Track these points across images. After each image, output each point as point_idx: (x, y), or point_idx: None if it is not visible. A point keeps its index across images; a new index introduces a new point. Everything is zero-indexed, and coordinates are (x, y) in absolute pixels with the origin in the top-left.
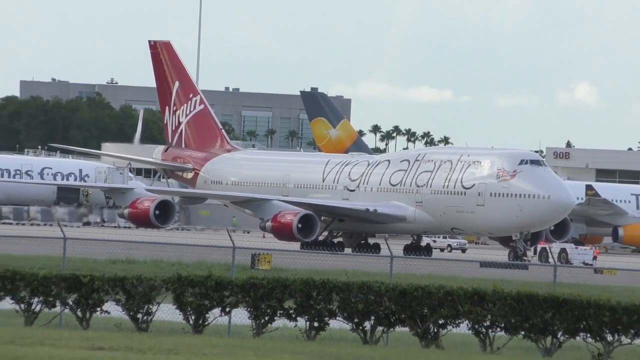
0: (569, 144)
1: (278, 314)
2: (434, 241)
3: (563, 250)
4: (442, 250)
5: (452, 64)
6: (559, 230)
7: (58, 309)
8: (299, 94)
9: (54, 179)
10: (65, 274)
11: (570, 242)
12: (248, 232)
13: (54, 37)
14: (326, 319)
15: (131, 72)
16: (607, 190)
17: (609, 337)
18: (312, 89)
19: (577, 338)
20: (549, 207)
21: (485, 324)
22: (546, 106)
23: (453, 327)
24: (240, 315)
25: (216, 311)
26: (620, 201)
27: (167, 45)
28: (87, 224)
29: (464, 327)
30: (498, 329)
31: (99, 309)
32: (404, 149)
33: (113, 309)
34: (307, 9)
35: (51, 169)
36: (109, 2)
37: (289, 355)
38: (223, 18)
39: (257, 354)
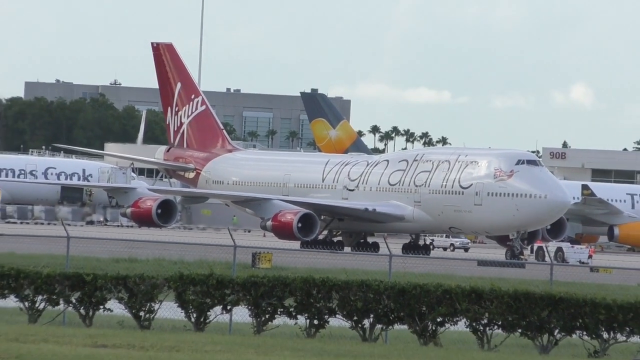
0: (565, 145)
1: (278, 312)
2: (432, 240)
3: (559, 249)
4: (445, 249)
5: (450, 66)
6: (556, 230)
7: (61, 306)
8: (300, 95)
9: (58, 178)
10: (68, 272)
11: (567, 241)
12: (249, 231)
13: (58, 39)
14: (326, 316)
15: (134, 74)
16: (603, 189)
17: (605, 335)
18: (312, 90)
19: (574, 336)
20: (545, 206)
21: (482, 322)
22: (542, 107)
23: (451, 324)
24: (241, 313)
25: (217, 309)
26: (616, 201)
27: (170, 47)
28: (91, 223)
29: (461, 325)
30: (495, 327)
31: (101, 307)
32: (403, 149)
33: (116, 307)
34: (307, 11)
35: (55, 168)
36: (112, 5)
37: (289, 352)
38: (224, 20)
39: (257, 351)
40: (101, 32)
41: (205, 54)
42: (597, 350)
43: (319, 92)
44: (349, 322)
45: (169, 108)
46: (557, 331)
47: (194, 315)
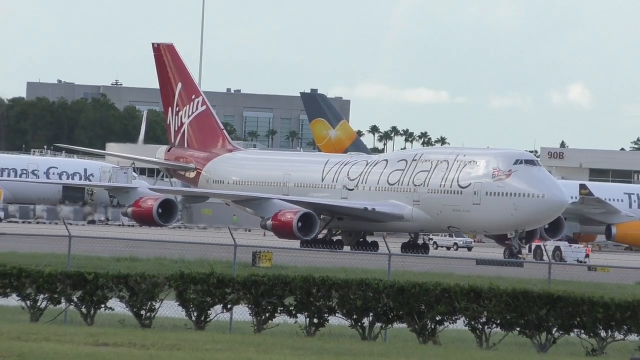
0: (563, 144)
1: (278, 311)
2: (430, 239)
3: (557, 248)
4: (448, 248)
5: (448, 66)
6: (553, 229)
7: (63, 305)
8: (299, 95)
9: (60, 178)
10: (70, 271)
11: (564, 240)
12: (249, 230)
13: (60, 39)
14: (326, 315)
15: (135, 74)
16: (601, 189)
17: (603, 333)
18: (312, 90)
19: (572, 334)
20: (543, 205)
21: (481, 320)
22: (540, 107)
23: (450, 323)
24: (242, 312)
25: (218, 308)
26: (613, 200)
27: (170, 48)
28: (92, 222)
29: (460, 324)
30: (494, 325)
31: (103, 305)
32: (402, 149)
33: (117, 306)
34: (306, 12)
35: (57, 168)
36: (113, 6)
37: (289, 350)
38: (225, 21)
39: (258, 349)
40: (102, 33)
41: (205, 54)
42: (594, 349)
43: (319, 92)
44: (349, 320)
45: (170, 108)
46: (555, 330)
47: (195, 313)
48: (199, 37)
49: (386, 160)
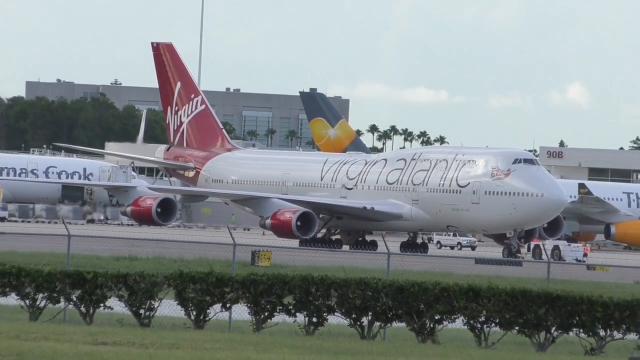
0: (562, 144)
1: (277, 310)
2: (431, 240)
3: (556, 248)
4: (452, 248)
5: (448, 66)
6: (552, 228)
7: (62, 304)
8: (299, 94)
9: (59, 177)
10: (69, 270)
11: (563, 240)
12: (248, 230)
13: (59, 39)
14: (325, 314)
15: (134, 73)
16: (600, 188)
17: (602, 332)
18: (311, 89)
19: (570, 333)
20: (542, 205)
21: (480, 320)
22: (539, 106)
23: (449, 322)
24: (241, 311)
25: (217, 307)
26: (612, 199)
27: (170, 47)
28: (91, 221)
29: (459, 323)
30: (493, 325)
31: (102, 304)
32: (401, 148)
33: (116, 305)
34: (306, 11)
35: (56, 167)
36: (112, 5)
37: (288, 349)
38: (224, 20)
39: (257, 348)
40: (102, 32)
41: (205, 53)
42: (593, 348)
43: (318, 91)
44: (348, 319)
45: (169, 107)
46: (554, 329)
47: (194, 313)
48: (199, 36)
49: (385, 160)
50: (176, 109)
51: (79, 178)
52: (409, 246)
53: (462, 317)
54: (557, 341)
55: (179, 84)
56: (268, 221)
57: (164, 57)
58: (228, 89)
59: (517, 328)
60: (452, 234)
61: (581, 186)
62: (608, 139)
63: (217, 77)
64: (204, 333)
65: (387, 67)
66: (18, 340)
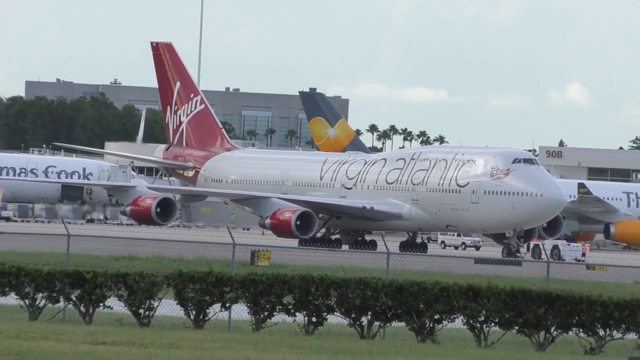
0: (561, 143)
1: (277, 309)
2: (429, 239)
3: (555, 247)
4: (456, 247)
5: (447, 65)
6: (552, 228)
7: (62, 304)
8: (298, 94)
9: (58, 177)
10: (68, 270)
11: (563, 239)
12: (248, 229)
13: (59, 38)
14: (324, 314)
15: (134, 73)
16: (599, 188)
17: (601, 332)
18: (310, 89)
19: (570, 333)
20: (541, 204)
21: (479, 319)
22: (539, 106)
23: (448, 322)
24: (240, 311)
25: (216, 306)
26: (612, 199)
27: (169, 47)
28: (91, 221)
29: (459, 322)
30: (492, 324)
31: (101, 304)
32: (400, 148)
33: (115, 305)
34: (305, 11)
35: (55, 167)
36: (112, 5)
37: (288, 349)
38: (224, 20)
39: (256, 348)
40: (101, 32)
41: (204, 53)
42: (593, 348)
43: (318, 91)
44: (347, 319)
45: (169, 107)
46: (553, 328)
47: (193, 312)
48: (198, 36)
49: (385, 159)
50: (175, 108)
51: (79, 178)
52: (409, 246)
53: (462, 316)
54: (556, 341)
55: (178, 84)
56: (267, 221)
57: (164, 56)
58: (227, 88)
59: (516, 328)
60: (456, 233)
61: (581, 186)
62: (608, 139)
63: (216, 77)
64: (204, 333)
65: (386, 66)
66: (18, 339)
